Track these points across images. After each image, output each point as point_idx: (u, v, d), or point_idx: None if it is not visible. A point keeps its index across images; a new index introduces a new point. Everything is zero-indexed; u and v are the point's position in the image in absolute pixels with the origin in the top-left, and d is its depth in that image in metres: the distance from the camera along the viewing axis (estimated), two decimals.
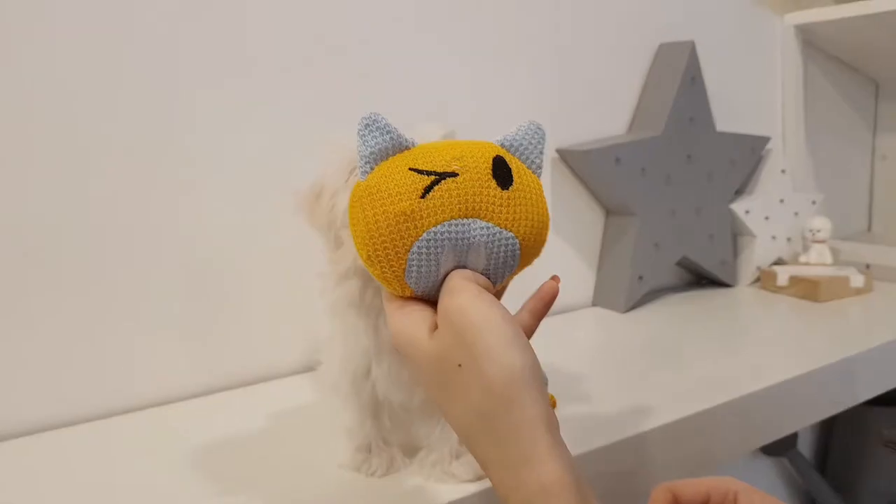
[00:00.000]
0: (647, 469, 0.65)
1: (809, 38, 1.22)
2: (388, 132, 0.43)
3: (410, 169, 0.42)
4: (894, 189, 1.36)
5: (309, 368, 0.79)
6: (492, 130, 0.91)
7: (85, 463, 0.63)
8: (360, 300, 0.51)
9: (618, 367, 0.83)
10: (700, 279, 1.17)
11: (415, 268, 0.41)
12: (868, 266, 1.14)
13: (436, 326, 0.42)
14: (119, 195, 0.72)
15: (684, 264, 1.13)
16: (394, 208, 0.41)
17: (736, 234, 1.15)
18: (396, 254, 0.41)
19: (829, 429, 1.37)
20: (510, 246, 0.43)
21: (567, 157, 1.00)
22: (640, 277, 1.03)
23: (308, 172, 0.53)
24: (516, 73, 0.95)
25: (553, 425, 0.39)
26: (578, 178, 1.02)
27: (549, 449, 0.38)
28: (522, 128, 0.47)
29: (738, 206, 1.12)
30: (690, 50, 1.02)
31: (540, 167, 0.46)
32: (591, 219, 1.06)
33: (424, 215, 0.41)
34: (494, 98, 0.94)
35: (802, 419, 0.81)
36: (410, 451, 0.58)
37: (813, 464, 1.30)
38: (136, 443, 0.67)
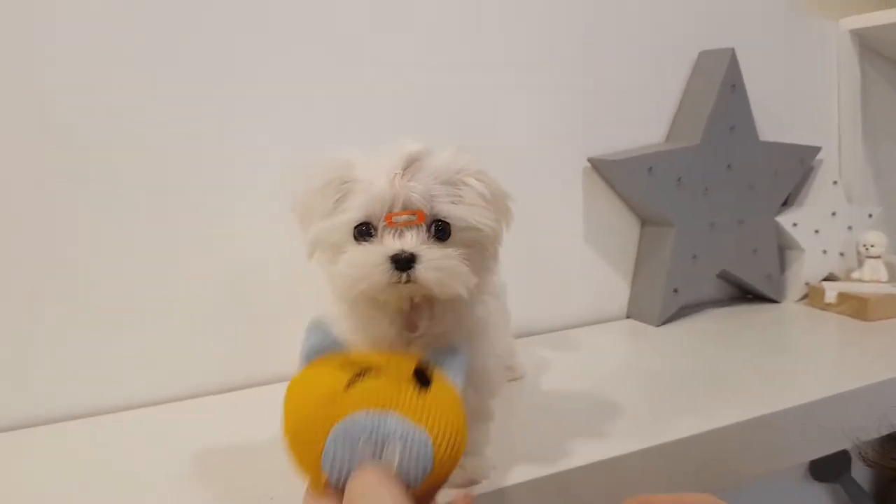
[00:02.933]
0: (668, 481, 0.64)
1: (867, 43, 1.16)
2: (327, 334, 0.49)
3: (341, 365, 0.46)
4: None
5: None
6: (525, 138, 0.93)
7: (102, 453, 0.66)
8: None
9: (646, 379, 0.81)
10: (745, 294, 1.13)
11: (331, 452, 0.42)
12: None
13: None
14: (149, 199, 0.76)
15: (727, 278, 1.10)
16: (319, 393, 0.44)
17: (783, 248, 1.10)
18: (316, 436, 0.43)
19: None
20: (423, 443, 0.43)
21: (599, 167, 0.98)
22: (676, 290, 1.00)
23: None
24: (550, 81, 0.95)
25: None
26: (612, 187, 1.00)
27: None
28: (448, 349, 0.49)
29: (785, 219, 1.08)
30: (730, 57, 0.99)
31: (460, 383, 0.48)
32: (626, 228, 1.04)
33: (345, 403, 0.43)
34: (527, 106, 0.94)
35: (842, 440, 0.77)
36: None
37: (868, 491, 1.23)
38: (156, 437, 0.69)
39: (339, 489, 0.43)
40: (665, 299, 0.99)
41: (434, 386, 0.46)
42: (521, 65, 0.93)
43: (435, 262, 0.46)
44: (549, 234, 0.98)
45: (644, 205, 0.99)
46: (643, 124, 1.02)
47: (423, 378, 0.46)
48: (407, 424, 0.43)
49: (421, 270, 0.46)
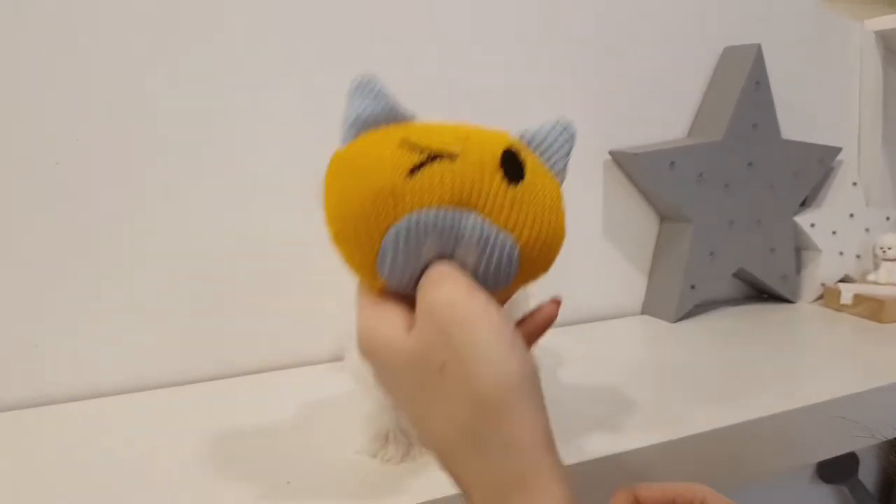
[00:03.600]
0: (679, 477, 0.63)
1: (891, 45, 1.15)
2: (381, 98, 0.38)
3: (401, 141, 0.35)
4: None
5: (338, 358, 0.80)
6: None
7: (116, 436, 0.65)
8: None
9: (660, 375, 0.81)
10: (760, 293, 1.13)
11: (389, 256, 0.35)
12: None
13: (412, 323, 0.35)
14: (144, 186, 0.75)
15: (742, 277, 1.09)
16: (373, 184, 0.34)
17: (800, 249, 1.10)
18: (369, 236, 0.35)
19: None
20: (507, 251, 0.35)
21: (620, 160, 0.97)
22: (693, 287, 0.99)
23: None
24: (571, 73, 0.94)
25: (553, 444, 0.33)
26: (632, 181, 1.00)
27: (550, 470, 0.31)
28: (548, 124, 0.41)
29: (803, 219, 1.07)
30: (756, 53, 0.98)
31: (563, 172, 0.40)
32: (644, 223, 1.03)
33: (408, 196, 0.34)
34: (549, 97, 0.93)
35: (852, 441, 0.76)
36: None
37: (874, 494, 1.23)
38: (169, 420, 0.69)
39: (399, 290, 0.36)
40: (681, 296, 0.99)
41: (528, 176, 0.37)
42: (544, 55, 0.92)
43: None
44: (568, 227, 0.97)
45: (664, 199, 0.98)
46: (664, 119, 1.02)
47: (513, 165, 0.36)
48: (489, 228, 0.35)
49: None
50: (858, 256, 1.10)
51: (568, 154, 0.40)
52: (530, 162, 0.37)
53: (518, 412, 0.31)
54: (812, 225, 1.07)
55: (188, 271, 0.77)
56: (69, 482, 0.55)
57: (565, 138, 0.40)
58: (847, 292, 1.02)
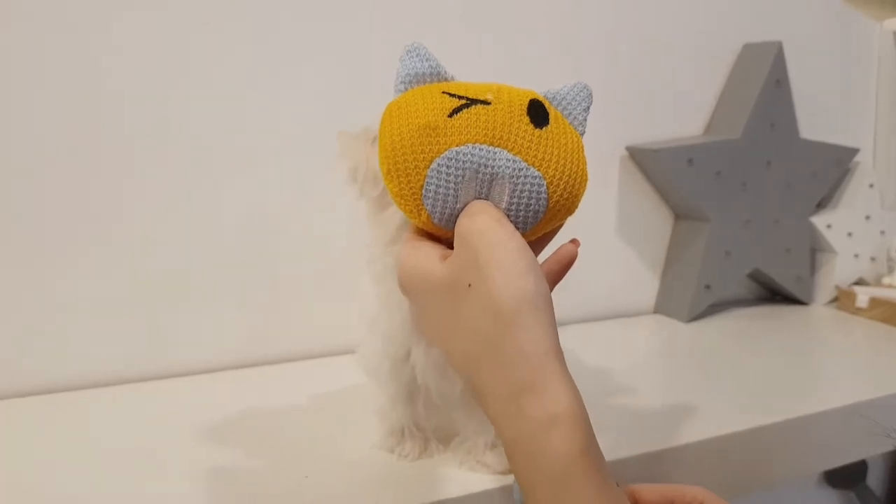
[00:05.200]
0: (689, 481, 0.62)
1: None
2: (427, 59, 0.43)
3: (443, 92, 0.41)
4: None
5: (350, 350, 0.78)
6: None
7: (130, 426, 0.64)
8: None
9: (672, 376, 0.79)
10: (773, 294, 1.11)
11: (433, 187, 0.39)
12: None
13: (448, 256, 0.39)
14: (181, 173, 0.73)
15: (756, 277, 1.08)
16: (419, 121, 0.40)
17: (815, 250, 1.08)
18: (416, 168, 0.39)
19: None
20: (536, 185, 0.40)
21: (637, 156, 0.96)
22: (707, 287, 0.98)
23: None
24: (588, 68, 0.92)
25: (562, 356, 0.36)
26: (647, 178, 0.98)
27: (558, 376, 0.35)
28: (569, 84, 0.45)
29: (819, 220, 1.06)
30: (777, 51, 0.96)
31: (583, 125, 0.44)
32: (658, 222, 1.01)
33: (449, 133, 0.39)
34: None
35: (866, 448, 0.75)
36: (444, 436, 0.57)
37: (883, 501, 1.22)
38: (174, 409, 0.67)
39: (441, 226, 0.41)
40: (696, 295, 0.97)
41: (552, 123, 0.42)
42: (560, 50, 0.91)
43: None
44: (579, 222, 0.95)
45: (681, 197, 0.97)
46: (681, 115, 1.00)
47: (539, 113, 0.41)
48: (519, 163, 0.40)
49: None
50: (873, 259, 1.09)
51: (587, 110, 0.45)
52: (553, 113, 0.43)
53: (530, 323, 0.35)
54: (828, 226, 1.05)
55: (201, 260, 0.75)
56: (86, 471, 0.54)
57: (584, 96, 0.45)
58: (863, 295, 1.00)
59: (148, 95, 0.71)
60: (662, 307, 1.02)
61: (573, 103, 0.44)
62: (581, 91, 0.45)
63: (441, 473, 0.53)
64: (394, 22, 0.80)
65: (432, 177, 0.39)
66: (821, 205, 1.08)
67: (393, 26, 0.80)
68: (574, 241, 0.44)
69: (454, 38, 0.83)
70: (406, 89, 0.43)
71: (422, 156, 0.39)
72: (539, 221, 0.41)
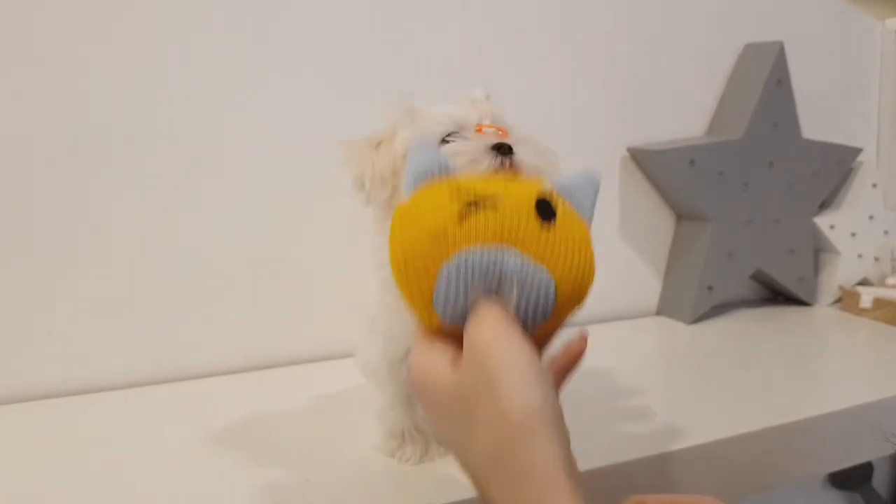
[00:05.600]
0: (692, 483, 0.62)
1: None
2: (435, 155, 0.44)
3: (452, 192, 0.41)
4: None
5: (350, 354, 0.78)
6: (563, 124, 0.90)
7: (135, 428, 0.64)
8: None
9: (676, 378, 0.79)
10: (776, 295, 1.11)
11: (443, 291, 0.39)
12: None
13: (457, 360, 0.39)
14: (185, 176, 0.73)
15: (759, 278, 1.07)
16: (429, 225, 0.40)
17: (818, 250, 1.08)
18: (426, 272, 0.39)
19: None
20: (544, 284, 0.40)
21: (639, 157, 0.95)
22: (710, 288, 0.97)
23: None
24: (589, 69, 0.92)
25: (574, 469, 0.36)
26: (649, 179, 0.98)
27: (568, 493, 0.34)
28: (577, 173, 0.45)
29: (823, 220, 1.05)
30: (778, 51, 0.96)
31: (590, 215, 0.44)
32: (660, 223, 1.01)
33: (458, 237, 0.39)
34: (568, 92, 0.91)
35: (871, 451, 0.74)
36: None
37: (888, 502, 1.21)
38: (177, 412, 0.67)
39: (451, 325, 0.40)
40: (698, 297, 0.97)
41: (559, 219, 0.41)
42: (562, 51, 0.90)
43: (532, 148, 0.45)
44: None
45: (683, 198, 0.97)
46: (683, 116, 1.00)
47: (546, 209, 0.41)
48: (527, 263, 0.39)
49: (522, 153, 0.44)
50: (877, 259, 1.08)
51: (594, 200, 0.44)
52: (561, 207, 0.42)
53: (539, 439, 0.35)
54: (831, 226, 1.05)
55: (205, 264, 0.75)
56: (88, 474, 0.54)
57: (592, 186, 0.45)
58: (867, 296, 1.00)
59: (151, 97, 0.71)
60: (665, 309, 1.01)
61: (582, 194, 0.44)
62: (590, 181, 0.45)
63: (442, 477, 0.53)
64: (394, 22, 0.80)
65: (442, 281, 0.39)
66: (824, 205, 1.08)
67: (393, 26, 0.80)
68: (582, 337, 0.44)
69: (454, 39, 0.83)
70: (416, 187, 0.43)
71: (431, 261, 0.39)
72: (548, 318, 0.41)
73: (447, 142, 0.46)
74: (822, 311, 1.05)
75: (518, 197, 0.41)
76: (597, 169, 0.45)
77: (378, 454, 0.56)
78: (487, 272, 0.39)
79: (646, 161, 0.95)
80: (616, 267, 0.99)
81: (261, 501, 0.50)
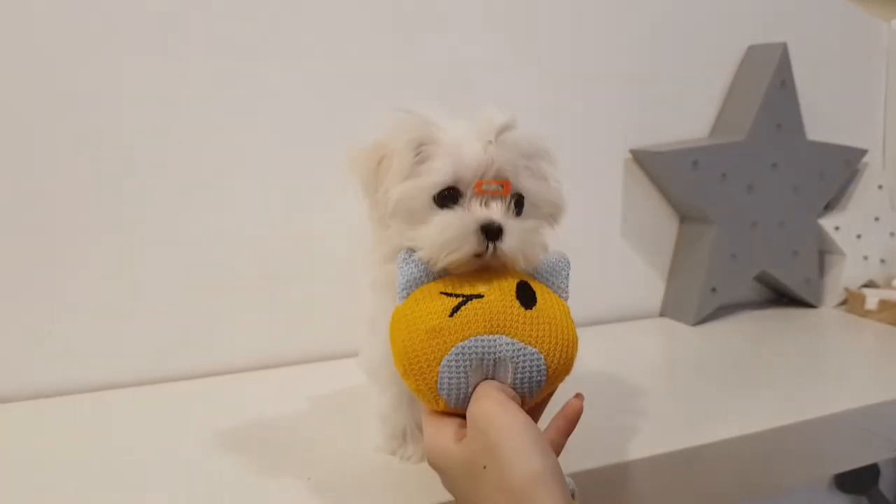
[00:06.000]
0: (697, 484, 0.62)
1: None
2: (420, 265, 0.47)
3: (441, 293, 0.45)
4: None
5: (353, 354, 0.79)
6: (565, 126, 0.90)
7: (139, 425, 0.65)
8: None
9: (678, 380, 0.79)
10: (781, 297, 1.10)
11: (445, 380, 0.43)
12: None
13: (463, 435, 0.43)
14: (199, 182, 0.74)
15: (764, 280, 1.07)
16: (425, 326, 0.44)
17: (823, 252, 1.07)
18: (429, 367, 0.44)
19: None
20: (535, 361, 0.44)
21: (641, 159, 0.95)
22: (714, 289, 0.97)
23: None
24: (592, 71, 0.92)
25: None
26: (652, 181, 0.98)
27: None
28: (549, 257, 0.49)
29: (828, 222, 1.05)
30: (782, 52, 0.96)
31: (566, 292, 0.49)
32: (663, 224, 1.01)
33: (452, 332, 0.44)
34: (570, 94, 0.91)
35: (875, 453, 0.74)
36: None
37: None
38: (182, 411, 0.68)
39: (456, 408, 0.45)
40: (702, 298, 0.97)
41: (539, 301, 0.46)
42: (565, 52, 0.90)
43: (519, 235, 0.46)
44: (584, 226, 0.96)
45: (686, 200, 0.96)
46: (686, 118, 1.00)
47: (527, 295, 0.46)
48: (517, 345, 0.44)
49: (507, 242, 0.45)
50: (883, 261, 1.08)
51: (567, 277, 0.49)
52: (539, 289, 0.47)
53: (542, 501, 0.38)
54: (836, 228, 1.05)
55: (211, 266, 0.76)
56: (93, 472, 0.55)
57: (563, 266, 0.49)
58: (872, 298, 0.99)
59: (167, 100, 0.72)
60: (669, 310, 1.01)
61: (554, 275, 0.48)
62: (559, 262, 0.49)
63: None
64: (398, 28, 0.81)
65: (444, 373, 0.43)
66: (829, 206, 1.07)
67: (397, 32, 0.81)
68: (578, 396, 0.47)
69: (457, 44, 0.83)
70: (408, 294, 0.47)
71: (432, 356, 0.44)
72: (543, 388, 0.45)
73: (443, 196, 0.47)
74: (828, 313, 1.05)
75: (500, 287, 0.45)
76: (565, 255, 0.49)
77: (379, 454, 0.57)
78: (483, 359, 0.44)
79: (648, 163, 0.95)
80: (619, 269, 0.99)
81: (262, 500, 0.51)
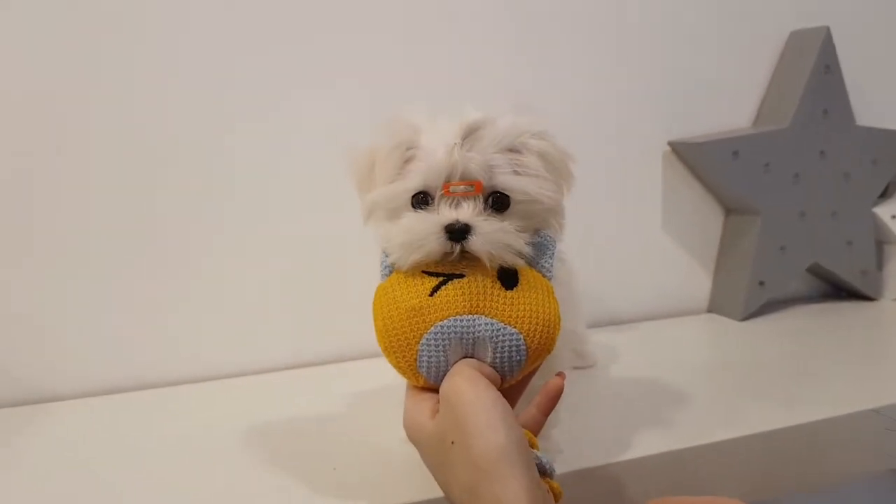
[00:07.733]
0: (739, 479, 0.61)
1: None
2: None
3: (423, 272, 0.46)
4: None
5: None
6: (604, 120, 0.89)
7: (171, 424, 0.67)
8: None
9: (724, 375, 0.77)
10: (838, 290, 1.06)
11: (425, 358, 0.45)
12: None
13: (437, 411, 0.44)
14: (230, 187, 0.77)
15: (818, 272, 1.03)
16: (405, 304, 0.45)
17: (881, 242, 1.03)
18: (408, 345, 0.45)
19: None
20: (514, 341, 0.45)
21: (680, 151, 0.94)
22: (762, 283, 0.94)
23: None
24: (628, 61, 0.91)
25: (540, 498, 0.39)
26: (694, 173, 0.96)
27: None
28: (535, 237, 0.49)
29: (883, 210, 1.01)
30: (825, 36, 0.93)
31: (550, 271, 0.49)
32: (708, 217, 0.99)
33: (433, 310, 0.44)
34: (607, 86, 0.90)
35: None
36: None
37: None
38: (213, 409, 0.70)
39: (437, 384, 0.45)
40: (749, 293, 0.94)
41: (522, 281, 0.46)
42: (599, 44, 0.90)
43: (489, 235, 0.46)
44: (625, 221, 0.95)
45: (728, 191, 0.94)
46: (727, 107, 0.97)
47: (508, 276, 0.46)
48: (496, 324, 0.44)
49: (474, 241, 0.45)
50: None
51: (552, 256, 0.49)
52: (522, 269, 0.47)
53: (505, 474, 0.39)
54: (893, 216, 1.00)
55: (258, 268, 0.79)
56: (131, 467, 0.58)
57: (548, 244, 0.49)
58: None
59: (207, 112, 0.76)
60: (715, 306, 0.99)
61: (539, 254, 0.48)
62: (544, 241, 0.49)
63: None
64: (427, 41, 0.82)
65: (423, 350, 0.44)
66: (885, 194, 1.03)
67: (427, 45, 0.82)
68: (560, 375, 0.48)
69: (490, 39, 0.84)
70: (390, 272, 0.48)
71: (412, 334, 0.45)
72: (523, 367, 0.46)
73: (418, 199, 0.48)
74: (888, 306, 1.00)
75: (482, 269, 0.46)
76: (550, 235, 0.49)
77: (405, 445, 0.57)
78: (462, 338, 0.44)
79: (687, 154, 0.94)
80: (664, 264, 0.98)
81: (290, 489, 0.52)
